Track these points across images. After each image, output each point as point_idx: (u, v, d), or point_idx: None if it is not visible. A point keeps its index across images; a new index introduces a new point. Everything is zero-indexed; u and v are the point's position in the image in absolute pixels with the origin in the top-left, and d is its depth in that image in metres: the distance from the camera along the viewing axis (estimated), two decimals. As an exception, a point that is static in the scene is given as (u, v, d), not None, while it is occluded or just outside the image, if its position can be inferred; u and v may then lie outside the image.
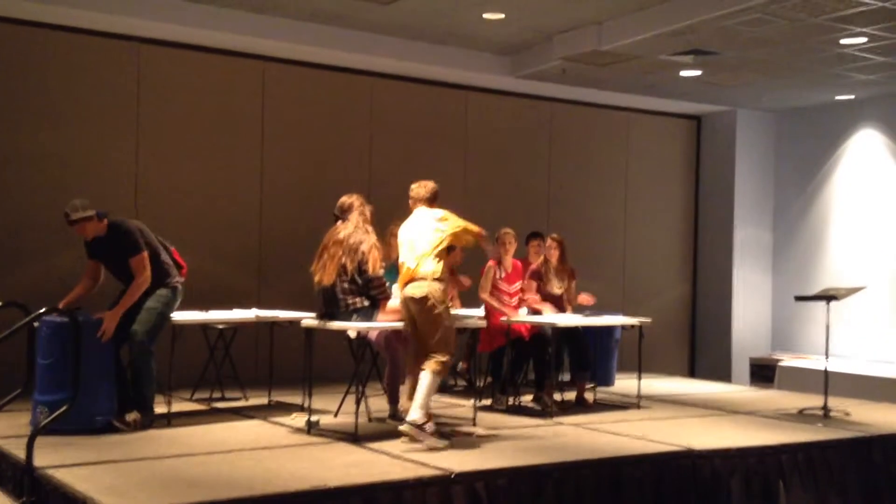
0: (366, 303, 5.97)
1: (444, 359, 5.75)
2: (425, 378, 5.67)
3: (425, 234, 5.99)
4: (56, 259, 8.08)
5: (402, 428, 5.62)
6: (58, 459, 4.93)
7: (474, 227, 6.13)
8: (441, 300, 5.84)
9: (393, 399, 6.47)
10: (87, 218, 6.17)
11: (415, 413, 5.61)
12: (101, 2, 7.88)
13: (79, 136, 8.30)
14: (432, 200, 6.22)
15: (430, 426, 5.63)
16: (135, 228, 6.29)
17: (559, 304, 7.69)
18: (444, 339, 5.80)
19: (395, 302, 6.10)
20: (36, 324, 5.38)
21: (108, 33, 8.38)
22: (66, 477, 4.57)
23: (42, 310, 5.04)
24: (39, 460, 4.77)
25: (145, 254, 6.22)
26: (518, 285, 7.61)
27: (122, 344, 6.11)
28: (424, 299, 5.80)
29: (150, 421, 6.12)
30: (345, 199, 6.23)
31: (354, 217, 6.10)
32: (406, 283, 5.93)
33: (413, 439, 5.57)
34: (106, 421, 5.87)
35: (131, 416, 6.02)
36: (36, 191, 8.09)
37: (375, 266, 5.96)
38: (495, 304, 7.43)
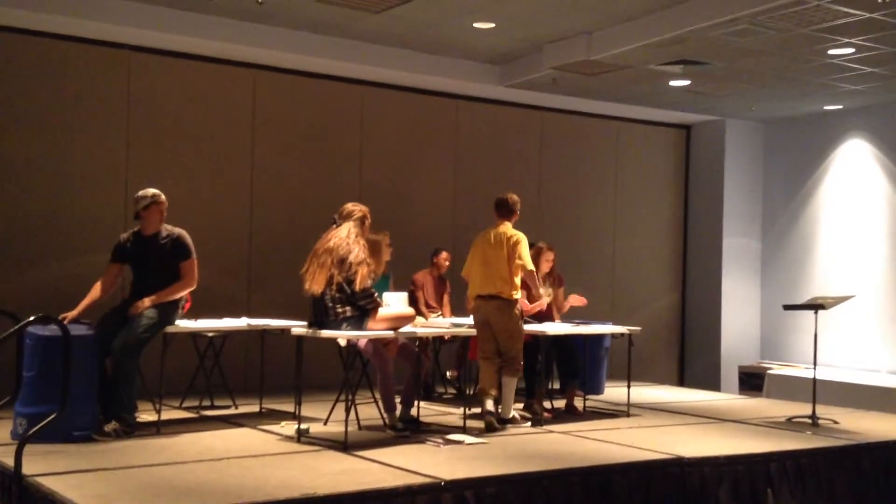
0: (356, 312, 5.97)
1: (521, 365, 6.76)
2: (510, 383, 6.73)
3: (501, 253, 6.64)
4: (46, 267, 8.07)
5: (500, 426, 6.58)
6: (47, 468, 4.91)
7: (529, 265, 6.71)
8: (520, 318, 6.79)
9: (389, 407, 6.38)
10: (158, 203, 6.17)
11: (508, 413, 6.75)
12: (92, 10, 7.87)
13: (69, 143, 8.29)
14: (504, 213, 6.81)
15: (516, 416, 6.84)
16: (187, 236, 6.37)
17: (548, 312, 7.71)
18: (520, 348, 6.75)
19: (385, 311, 6.10)
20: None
21: (99, 41, 8.37)
22: (54, 485, 4.54)
23: (30, 318, 5.02)
24: (28, 468, 4.74)
25: (196, 260, 6.25)
26: None
27: (108, 354, 6.01)
28: (510, 319, 6.66)
29: (131, 426, 6.01)
30: (347, 206, 6.25)
31: (348, 226, 6.09)
32: (482, 295, 6.69)
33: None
34: (84, 437, 5.73)
35: (110, 427, 5.92)
36: (26, 198, 8.08)
37: (363, 282, 5.92)
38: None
